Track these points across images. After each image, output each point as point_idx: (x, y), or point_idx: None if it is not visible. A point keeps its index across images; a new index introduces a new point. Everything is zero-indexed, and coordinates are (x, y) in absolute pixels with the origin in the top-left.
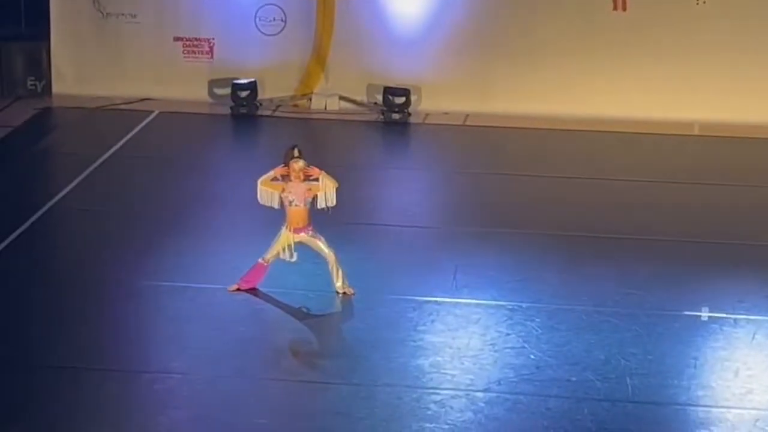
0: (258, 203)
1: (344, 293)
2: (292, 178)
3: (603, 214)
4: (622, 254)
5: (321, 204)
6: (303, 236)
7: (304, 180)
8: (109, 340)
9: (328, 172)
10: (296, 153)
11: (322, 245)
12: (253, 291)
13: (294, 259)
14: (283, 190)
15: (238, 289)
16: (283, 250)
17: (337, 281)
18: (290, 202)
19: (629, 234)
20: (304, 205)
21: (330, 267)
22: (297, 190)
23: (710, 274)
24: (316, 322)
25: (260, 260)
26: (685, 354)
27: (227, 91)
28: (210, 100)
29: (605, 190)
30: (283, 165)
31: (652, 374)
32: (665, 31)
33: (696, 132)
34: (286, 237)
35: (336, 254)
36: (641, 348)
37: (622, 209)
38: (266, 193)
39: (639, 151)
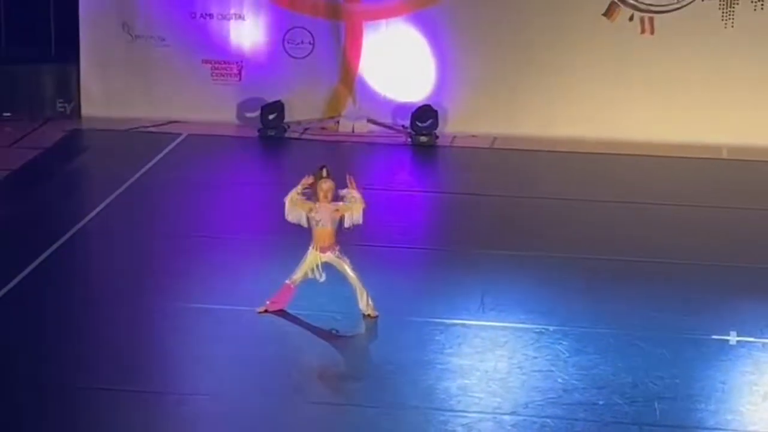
0: (286, 222)
1: (368, 315)
2: (320, 198)
3: (630, 237)
4: (650, 277)
5: (348, 224)
6: (329, 256)
7: (332, 201)
8: (137, 361)
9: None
10: (324, 173)
11: (347, 268)
12: (280, 312)
13: (322, 278)
14: (311, 210)
15: (266, 311)
16: (311, 270)
17: (360, 302)
18: (317, 222)
19: (657, 257)
20: (331, 225)
21: (354, 289)
22: (324, 211)
23: (739, 298)
24: (343, 344)
25: (288, 282)
26: (713, 378)
27: (255, 113)
28: (238, 122)
29: (633, 213)
30: (308, 176)
31: (679, 398)
32: (693, 55)
33: (724, 156)
34: (313, 257)
35: (360, 277)
36: (669, 372)
37: (650, 232)
38: (294, 211)
39: (666, 175)
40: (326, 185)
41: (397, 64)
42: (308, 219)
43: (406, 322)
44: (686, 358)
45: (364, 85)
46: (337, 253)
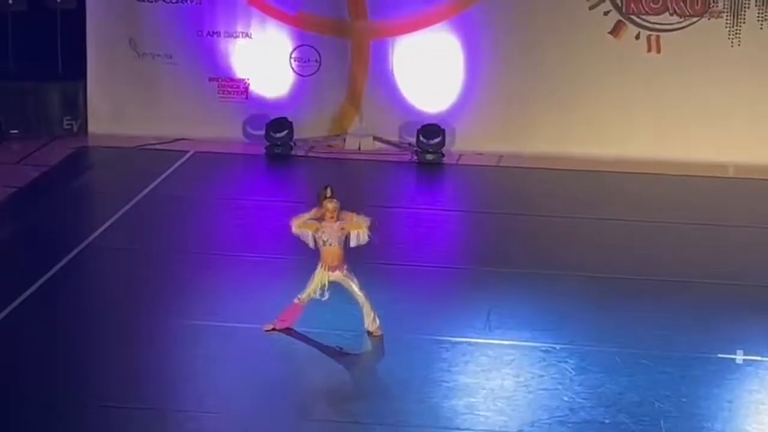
0: (293, 240)
1: (373, 334)
2: (326, 218)
3: (637, 256)
4: (656, 296)
5: (353, 243)
6: (338, 274)
7: (338, 220)
8: (143, 379)
9: (359, 213)
10: (329, 193)
11: (354, 287)
12: (287, 330)
13: (325, 298)
14: (317, 230)
15: (274, 329)
16: (318, 289)
17: (366, 320)
18: (324, 242)
19: (663, 276)
20: (339, 244)
21: (361, 308)
22: (330, 230)
23: (745, 316)
24: (349, 362)
25: (296, 300)
26: (719, 397)
27: (262, 131)
28: (245, 140)
29: (639, 231)
30: (317, 207)
31: (685, 417)
32: (699, 74)
33: (730, 174)
34: (321, 276)
35: (367, 296)
36: (675, 390)
37: (657, 251)
38: (301, 233)
39: (673, 193)
40: (331, 205)
41: (403, 82)
42: (315, 239)
43: (412, 340)
44: (692, 377)
45: (370, 103)
46: (345, 272)
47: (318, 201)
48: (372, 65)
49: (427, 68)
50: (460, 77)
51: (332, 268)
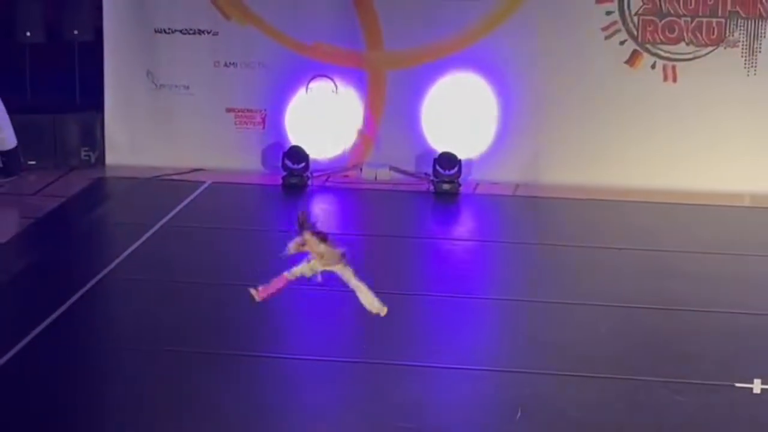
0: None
1: (377, 312)
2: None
3: (653, 285)
4: (673, 325)
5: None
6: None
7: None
8: (163, 412)
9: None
10: (307, 237)
11: (355, 282)
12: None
13: (319, 279)
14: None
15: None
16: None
17: (366, 302)
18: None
19: (679, 305)
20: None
21: (358, 294)
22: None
23: (762, 346)
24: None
25: (285, 273)
26: (736, 428)
27: (278, 162)
28: (261, 170)
29: (656, 260)
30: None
31: None
32: (715, 102)
33: (747, 203)
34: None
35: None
36: (690, 418)
37: (673, 280)
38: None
39: (689, 222)
40: (320, 249)
41: (419, 112)
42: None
43: (428, 371)
44: (708, 406)
45: (386, 133)
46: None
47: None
48: (388, 95)
49: (444, 98)
50: (477, 107)
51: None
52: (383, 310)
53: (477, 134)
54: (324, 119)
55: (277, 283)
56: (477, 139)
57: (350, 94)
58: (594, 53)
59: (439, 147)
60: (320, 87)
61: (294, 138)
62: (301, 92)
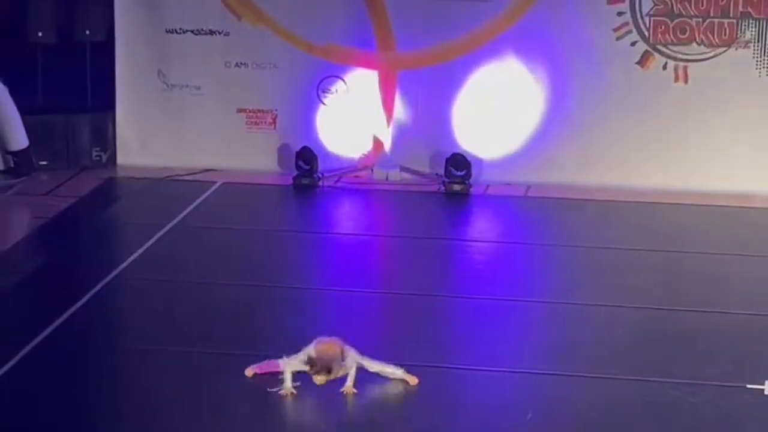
0: (323, 272)
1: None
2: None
3: (665, 287)
4: (685, 326)
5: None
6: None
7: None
8: (174, 411)
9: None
10: (314, 369)
11: (375, 367)
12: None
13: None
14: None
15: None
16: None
17: (394, 375)
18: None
19: (692, 306)
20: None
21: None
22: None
23: None
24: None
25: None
26: (748, 429)
27: (289, 162)
28: (272, 171)
29: (667, 262)
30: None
31: None
32: (727, 103)
33: (759, 204)
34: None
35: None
36: (702, 420)
37: (685, 282)
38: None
39: (701, 223)
40: (320, 380)
41: (431, 113)
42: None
43: (437, 371)
44: (721, 408)
45: (397, 134)
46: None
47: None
48: (399, 96)
49: (455, 98)
50: (488, 107)
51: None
52: (412, 379)
53: (489, 134)
54: (337, 121)
55: (270, 366)
56: (489, 139)
57: (362, 94)
58: (605, 54)
59: (451, 148)
60: (333, 91)
61: (305, 138)
62: (313, 93)
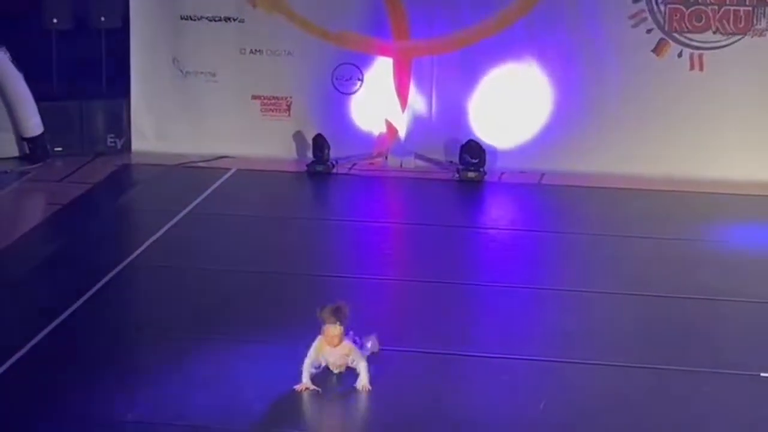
0: (335, 259)
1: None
2: (325, 342)
3: (679, 275)
4: (698, 314)
5: (358, 385)
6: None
7: (339, 344)
8: (185, 397)
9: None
10: (328, 317)
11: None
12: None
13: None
14: (319, 357)
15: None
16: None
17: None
18: (333, 365)
19: (704, 294)
20: (339, 368)
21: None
22: (335, 355)
23: None
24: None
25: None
26: (761, 417)
27: (304, 149)
28: (287, 158)
29: (682, 249)
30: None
31: None
32: (743, 91)
33: None
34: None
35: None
36: (714, 409)
37: (699, 269)
38: (310, 366)
39: (718, 211)
40: (333, 331)
41: (445, 100)
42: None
43: (455, 358)
44: (733, 396)
45: (412, 121)
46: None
47: (321, 318)
48: (414, 83)
49: (469, 86)
50: (502, 95)
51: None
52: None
53: (503, 122)
54: (351, 108)
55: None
56: (503, 127)
57: (377, 82)
58: (620, 42)
59: (465, 135)
60: (348, 78)
61: (319, 125)
62: (328, 80)
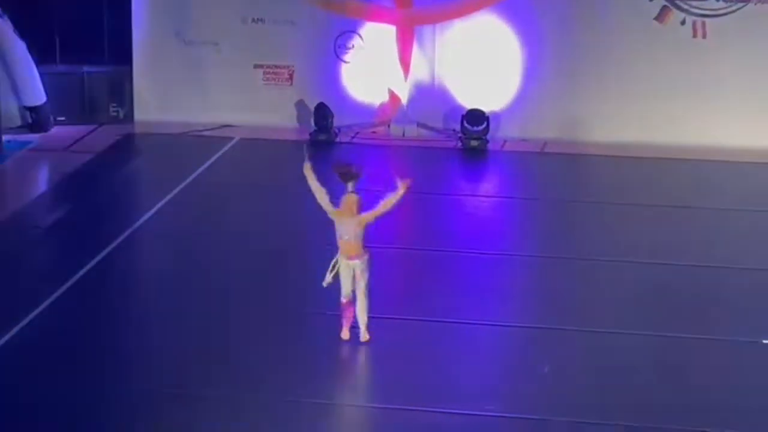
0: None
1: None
2: (343, 208)
3: (682, 242)
4: (702, 282)
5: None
6: (356, 263)
7: (356, 214)
8: (193, 365)
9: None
10: (350, 187)
11: (363, 284)
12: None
13: (329, 280)
14: (331, 213)
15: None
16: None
17: (360, 321)
18: (340, 236)
19: (709, 262)
20: (355, 240)
21: (358, 305)
22: (347, 225)
23: None
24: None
25: (342, 300)
26: (763, 383)
27: (306, 117)
28: (289, 126)
29: (686, 217)
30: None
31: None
32: (745, 58)
33: None
34: (343, 267)
35: (368, 297)
36: (718, 375)
37: (704, 237)
38: (313, 185)
39: (720, 179)
40: (351, 199)
41: (448, 68)
42: (327, 210)
43: (453, 327)
44: (736, 362)
45: (414, 89)
46: (364, 263)
47: (340, 178)
48: (416, 51)
49: (472, 54)
50: (505, 63)
51: (351, 258)
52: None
53: (505, 91)
54: (354, 76)
55: (347, 312)
56: (505, 96)
57: (379, 50)
58: (623, 10)
59: (468, 103)
60: (350, 46)
61: (322, 94)
62: (330, 49)
